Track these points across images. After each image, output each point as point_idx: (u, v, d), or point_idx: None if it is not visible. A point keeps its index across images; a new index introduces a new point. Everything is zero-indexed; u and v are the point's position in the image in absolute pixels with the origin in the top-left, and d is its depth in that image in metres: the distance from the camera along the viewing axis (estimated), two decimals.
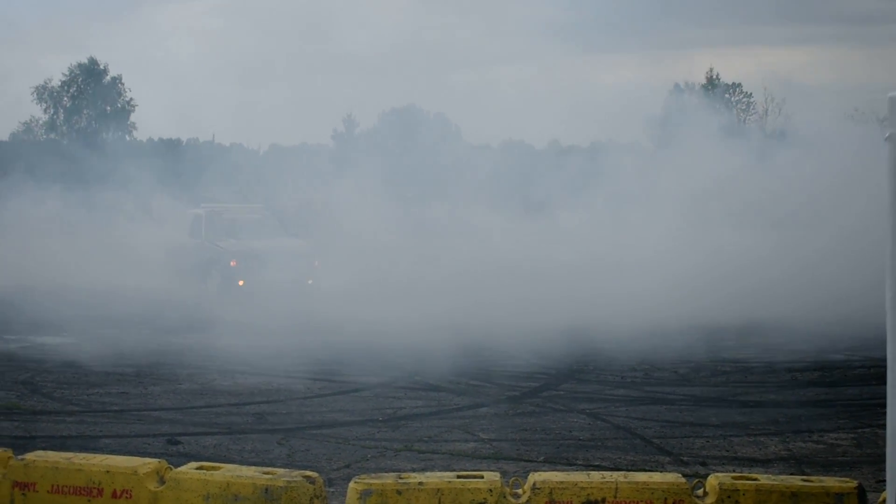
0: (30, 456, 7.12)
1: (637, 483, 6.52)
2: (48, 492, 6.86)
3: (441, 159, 30.77)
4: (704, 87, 69.95)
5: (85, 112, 72.92)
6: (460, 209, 29.42)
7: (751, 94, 69.75)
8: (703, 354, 16.19)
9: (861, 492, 6.58)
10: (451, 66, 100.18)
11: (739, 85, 70.70)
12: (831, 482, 6.69)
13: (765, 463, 9.45)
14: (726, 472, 6.86)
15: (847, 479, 6.72)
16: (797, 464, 9.41)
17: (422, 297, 20.75)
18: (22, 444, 8.60)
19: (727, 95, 70.25)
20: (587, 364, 15.27)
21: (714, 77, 71.32)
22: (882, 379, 5.34)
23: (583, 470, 7.53)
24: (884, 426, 5.40)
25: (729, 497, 6.48)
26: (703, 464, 9.24)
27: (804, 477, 6.83)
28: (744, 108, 70.32)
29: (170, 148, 59.53)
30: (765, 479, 6.70)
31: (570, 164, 29.64)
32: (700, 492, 6.57)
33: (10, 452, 7.17)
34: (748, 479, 6.65)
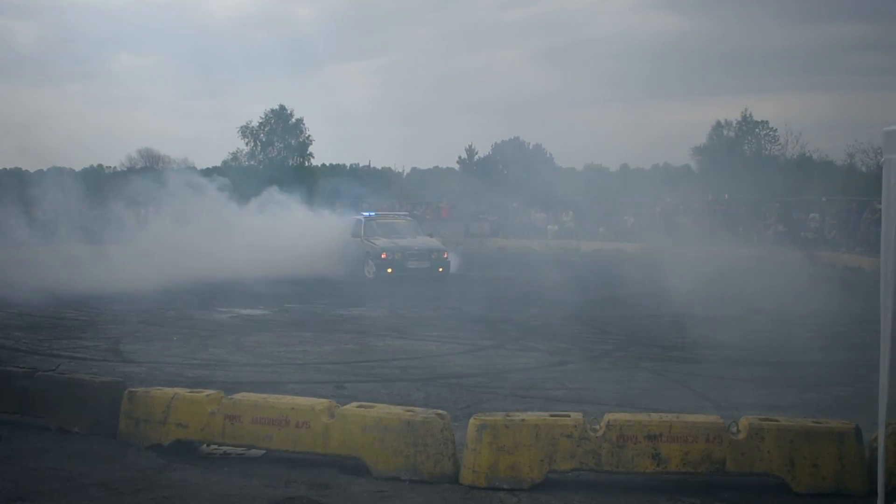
0: (236, 396, 7.38)
1: (686, 422, 6.52)
2: (250, 422, 7.06)
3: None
4: (739, 123, 68.38)
5: (276, 144, 74.36)
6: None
7: (776, 129, 67.78)
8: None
9: (858, 431, 6.49)
10: (550, 105, 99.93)
11: (766, 122, 68.70)
12: (835, 423, 6.61)
13: (784, 409, 9.25)
14: (755, 415, 6.76)
15: (847, 421, 6.62)
16: (809, 410, 9.20)
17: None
18: (230, 388, 8.82)
19: (757, 130, 68.53)
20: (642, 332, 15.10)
21: (748, 115, 69.35)
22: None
23: (645, 412, 7.46)
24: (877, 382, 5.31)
25: (756, 434, 6.44)
26: (737, 409, 9.10)
27: (815, 420, 6.74)
28: (770, 140, 68.39)
29: (336, 171, 60.29)
30: (784, 420, 6.65)
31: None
32: (734, 429, 6.52)
33: (222, 393, 7.44)
34: (771, 420, 6.60)
